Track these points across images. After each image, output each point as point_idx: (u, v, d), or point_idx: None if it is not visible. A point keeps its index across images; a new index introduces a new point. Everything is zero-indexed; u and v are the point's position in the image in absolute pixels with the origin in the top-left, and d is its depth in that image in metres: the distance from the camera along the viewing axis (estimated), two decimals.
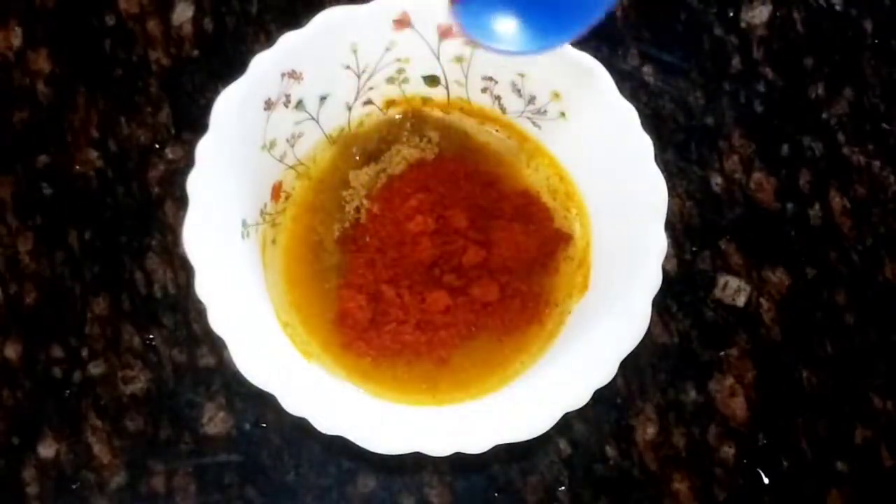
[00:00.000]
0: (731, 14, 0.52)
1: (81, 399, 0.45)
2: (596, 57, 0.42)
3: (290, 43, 0.41)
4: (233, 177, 0.41)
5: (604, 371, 0.38)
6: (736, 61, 0.51)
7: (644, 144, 0.41)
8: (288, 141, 0.44)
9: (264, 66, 0.41)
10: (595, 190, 0.44)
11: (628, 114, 0.41)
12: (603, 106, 0.42)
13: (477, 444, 0.38)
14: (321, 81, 0.43)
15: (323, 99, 0.44)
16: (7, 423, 0.45)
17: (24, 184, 0.49)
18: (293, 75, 0.42)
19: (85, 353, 0.46)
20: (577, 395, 0.38)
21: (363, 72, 0.44)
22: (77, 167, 0.49)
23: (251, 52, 0.50)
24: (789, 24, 0.52)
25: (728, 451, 0.45)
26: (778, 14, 0.52)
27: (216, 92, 0.50)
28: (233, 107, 0.41)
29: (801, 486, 0.45)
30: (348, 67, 0.43)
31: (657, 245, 0.40)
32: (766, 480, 0.45)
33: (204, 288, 0.39)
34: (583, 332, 0.42)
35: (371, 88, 0.45)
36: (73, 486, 0.44)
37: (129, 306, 0.47)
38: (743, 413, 0.46)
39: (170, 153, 0.49)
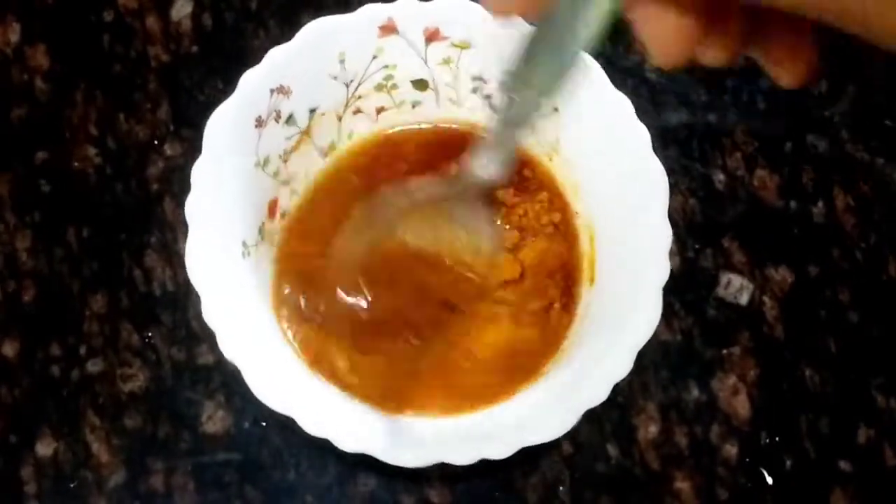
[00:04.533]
0: None
1: (80, 397, 0.45)
2: (597, 53, 0.41)
3: (277, 58, 0.41)
4: (230, 198, 0.41)
5: (621, 364, 0.38)
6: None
7: (640, 134, 0.41)
8: (281, 157, 0.43)
9: (253, 83, 0.41)
10: (595, 182, 0.43)
11: (622, 104, 0.41)
12: (596, 98, 0.42)
13: (501, 449, 0.37)
14: (310, 94, 0.43)
15: (312, 112, 0.43)
16: (5, 422, 0.45)
17: (23, 181, 0.48)
18: (282, 90, 0.42)
19: (83, 350, 0.46)
20: (596, 391, 0.38)
21: (351, 81, 0.43)
22: (75, 164, 0.49)
23: (250, 48, 0.51)
24: None
25: (730, 450, 0.45)
26: None
27: (215, 88, 0.50)
28: (225, 127, 0.40)
29: (804, 486, 0.45)
30: (336, 78, 0.43)
31: (662, 233, 0.40)
32: (769, 480, 0.45)
33: (211, 314, 0.38)
34: (595, 326, 0.41)
35: (360, 97, 0.44)
36: (72, 485, 0.44)
37: (128, 304, 0.47)
38: (745, 412, 0.46)
39: (169, 150, 0.49)
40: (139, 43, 0.51)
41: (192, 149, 0.48)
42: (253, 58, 0.49)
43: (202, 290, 0.38)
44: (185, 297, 0.46)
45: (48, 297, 0.47)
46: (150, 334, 0.46)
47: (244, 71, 0.42)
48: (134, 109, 0.49)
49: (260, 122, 0.41)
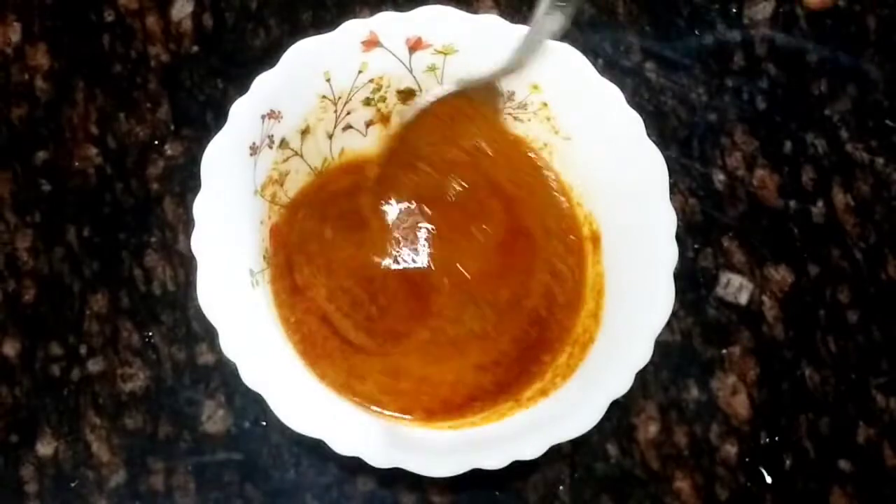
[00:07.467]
0: (734, 10, 0.52)
1: (80, 397, 0.45)
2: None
3: (265, 84, 0.41)
4: (233, 228, 0.41)
5: (641, 352, 0.38)
6: (738, 57, 0.51)
7: (633, 121, 0.41)
8: (276, 181, 0.43)
9: (244, 111, 0.41)
10: (593, 174, 0.43)
11: (612, 93, 0.41)
12: (585, 89, 0.42)
13: (532, 448, 0.37)
14: (300, 116, 0.43)
15: (304, 133, 0.43)
16: (5, 421, 0.45)
17: (23, 180, 0.48)
18: (273, 115, 0.41)
19: (84, 350, 0.46)
20: (620, 381, 0.38)
21: (339, 98, 0.43)
22: (76, 164, 0.49)
23: (251, 49, 0.51)
24: (792, 19, 0.52)
25: (730, 449, 0.45)
26: (781, 10, 0.52)
27: (216, 88, 0.50)
28: (221, 158, 0.40)
29: (803, 485, 0.45)
30: (325, 97, 0.43)
31: (666, 216, 0.40)
32: (768, 479, 0.45)
33: (230, 347, 0.38)
34: (609, 318, 0.41)
35: (348, 113, 0.44)
36: (72, 485, 0.44)
37: (128, 303, 0.47)
38: (745, 411, 0.46)
39: (169, 149, 0.49)
40: (139, 43, 0.51)
41: (193, 148, 0.49)
42: (253, 58, 0.50)
43: (218, 324, 0.38)
44: (185, 297, 0.46)
45: (48, 296, 0.47)
46: (150, 334, 0.46)
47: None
48: (134, 109, 0.49)
49: (254, 150, 0.41)
